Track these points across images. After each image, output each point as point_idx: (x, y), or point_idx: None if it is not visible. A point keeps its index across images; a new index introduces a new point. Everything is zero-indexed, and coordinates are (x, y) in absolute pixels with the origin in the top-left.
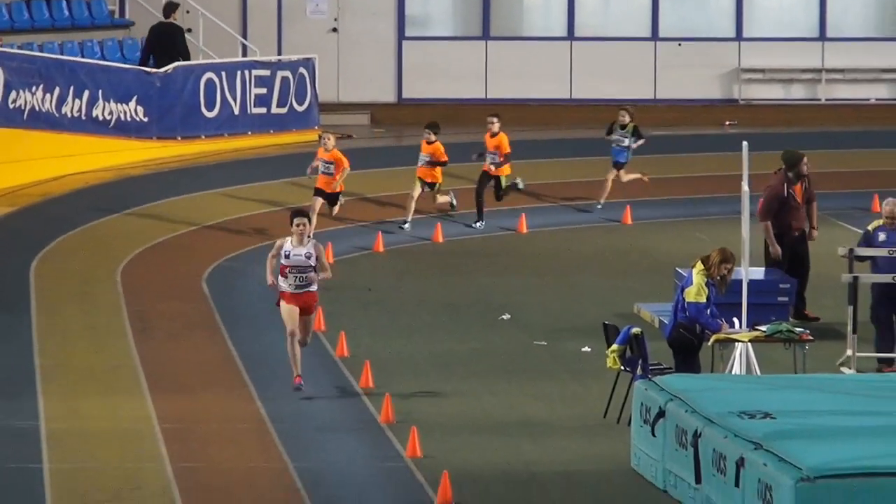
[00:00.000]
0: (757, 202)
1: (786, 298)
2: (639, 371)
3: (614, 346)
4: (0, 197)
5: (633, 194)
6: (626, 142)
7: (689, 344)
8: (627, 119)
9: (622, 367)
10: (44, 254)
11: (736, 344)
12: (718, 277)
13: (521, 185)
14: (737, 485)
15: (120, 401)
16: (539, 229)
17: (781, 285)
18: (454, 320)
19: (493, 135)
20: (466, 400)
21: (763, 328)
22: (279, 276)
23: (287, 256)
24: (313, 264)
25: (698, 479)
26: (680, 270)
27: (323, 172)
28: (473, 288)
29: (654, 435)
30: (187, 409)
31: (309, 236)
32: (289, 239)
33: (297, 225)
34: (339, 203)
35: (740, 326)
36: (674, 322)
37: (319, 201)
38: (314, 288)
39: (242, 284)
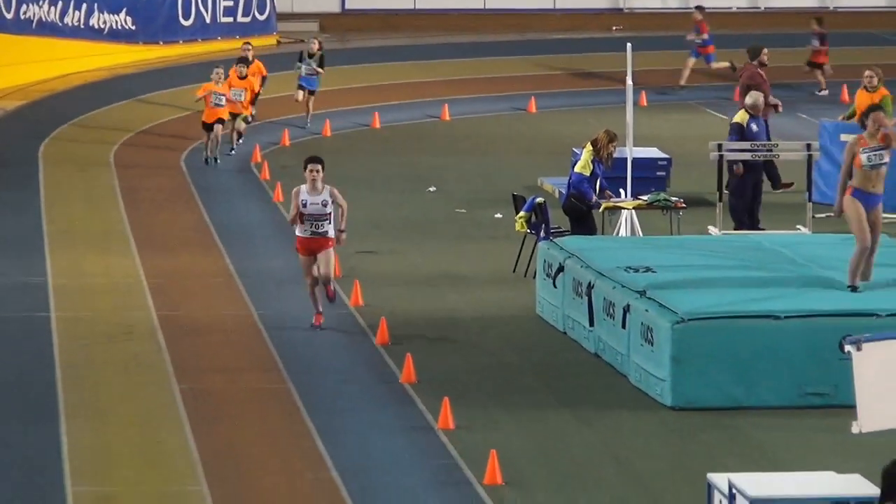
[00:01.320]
0: (639, 94)
1: (663, 173)
2: (542, 234)
3: (522, 213)
4: (14, 92)
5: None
6: (313, 70)
7: (580, 210)
8: (316, 48)
9: (528, 231)
10: (50, 139)
11: (622, 211)
12: (606, 155)
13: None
14: (624, 327)
15: (113, 260)
16: (459, 117)
17: (659, 162)
18: (389, 192)
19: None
20: (399, 258)
21: (644, 198)
22: (297, 223)
23: (304, 205)
24: (329, 211)
25: (592, 323)
26: (575, 150)
27: (215, 104)
28: (405, 165)
29: (555, 286)
30: (169, 267)
31: (323, 182)
32: (303, 187)
33: (311, 171)
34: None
35: (626, 196)
36: (567, 193)
37: (218, 128)
38: (331, 234)
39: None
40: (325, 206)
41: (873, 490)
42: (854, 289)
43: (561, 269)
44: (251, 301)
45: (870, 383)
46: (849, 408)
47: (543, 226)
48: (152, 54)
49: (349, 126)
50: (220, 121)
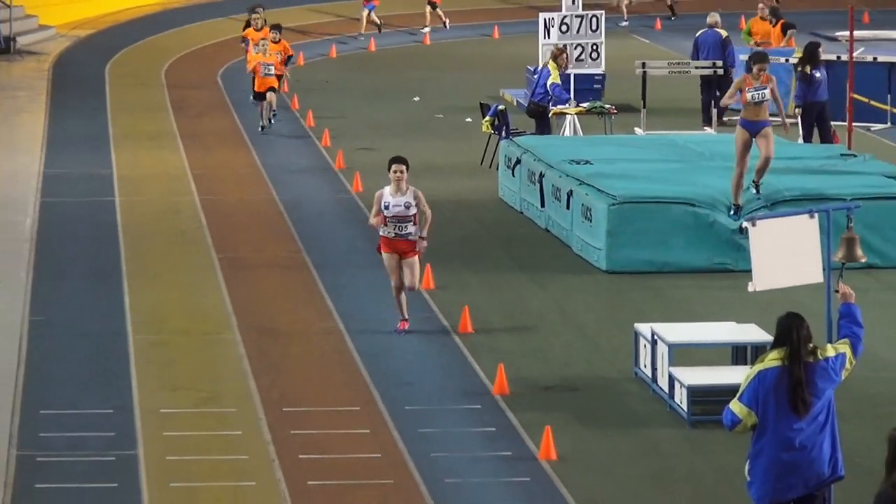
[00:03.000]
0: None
1: (599, 86)
2: (503, 134)
3: (487, 118)
4: (85, 23)
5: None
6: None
7: (541, 114)
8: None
9: (492, 131)
10: (114, 59)
11: (567, 116)
12: (564, 62)
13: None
14: (568, 208)
15: (164, 155)
16: (437, 42)
17: (596, 77)
18: (382, 100)
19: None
20: (391, 152)
21: (584, 105)
22: (377, 226)
23: (387, 207)
24: (413, 213)
25: (543, 205)
26: (529, 67)
27: (265, 74)
28: (395, 80)
29: (513, 175)
30: (208, 160)
31: (407, 184)
32: (387, 189)
33: (395, 171)
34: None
35: (570, 104)
36: (541, 98)
37: (271, 96)
38: (414, 235)
39: (247, 78)
40: (407, 208)
41: (766, 337)
42: (737, 208)
43: (518, 161)
44: (273, 188)
45: (762, 252)
46: (746, 272)
47: (504, 127)
48: None
49: (350, 49)
50: (272, 89)
